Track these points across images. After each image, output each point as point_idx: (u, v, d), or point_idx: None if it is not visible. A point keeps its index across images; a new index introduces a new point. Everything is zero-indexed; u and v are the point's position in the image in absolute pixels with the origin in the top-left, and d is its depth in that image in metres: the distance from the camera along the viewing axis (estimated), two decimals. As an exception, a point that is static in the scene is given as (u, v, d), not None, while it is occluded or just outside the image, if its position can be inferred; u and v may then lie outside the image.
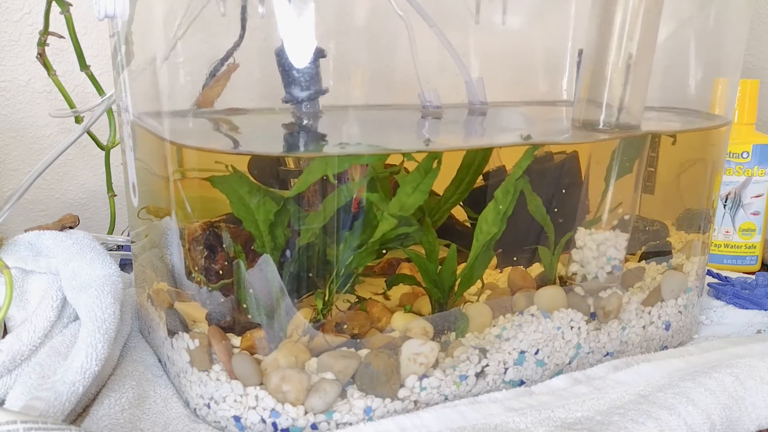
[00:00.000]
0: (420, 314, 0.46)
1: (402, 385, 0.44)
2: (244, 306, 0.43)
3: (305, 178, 0.42)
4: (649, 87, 0.50)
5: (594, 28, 0.49)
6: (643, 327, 0.53)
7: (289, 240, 0.43)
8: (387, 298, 0.47)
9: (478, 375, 0.46)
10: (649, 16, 0.48)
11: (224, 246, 0.44)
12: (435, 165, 0.44)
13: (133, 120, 0.49)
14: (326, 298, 0.43)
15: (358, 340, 0.44)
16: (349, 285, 0.44)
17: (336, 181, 0.42)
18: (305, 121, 0.44)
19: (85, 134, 0.67)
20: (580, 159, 0.51)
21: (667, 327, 0.55)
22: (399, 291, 0.48)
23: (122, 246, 0.70)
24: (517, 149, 0.47)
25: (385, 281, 0.47)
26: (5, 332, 0.50)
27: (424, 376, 0.44)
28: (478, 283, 0.47)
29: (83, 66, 0.68)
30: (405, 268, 0.50)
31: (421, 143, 0.50)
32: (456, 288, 0.47)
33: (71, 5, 0.66)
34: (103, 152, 0.72)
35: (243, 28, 0.45)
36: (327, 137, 0.45)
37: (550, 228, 0.49)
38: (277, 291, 0.42)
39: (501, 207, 0.46)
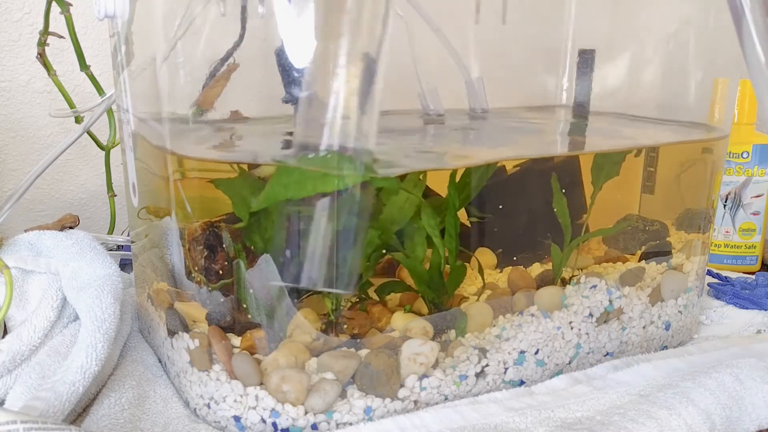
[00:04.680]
0: (420, 314, 0.46)
1: (402, 385, 0.44)
2: (244, 306, 0.43)
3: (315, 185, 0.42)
4: (649, 88, 0.50)
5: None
6: (643, 327, 0.53)
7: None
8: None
9: (478, 375, 0.46)
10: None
11: (224, 246, 0.44)
12: (421, 177, 0.44)
13: (134, 131, 0.49)
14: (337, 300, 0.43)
15: (358, 340, 0.44)
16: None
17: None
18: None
19: (85, 134, 0.67)
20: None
21: (667, 327, 0.55)
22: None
23: (122, 246, 0.70)
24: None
25: (375, 291, 0.47)
26: (5, 332, 0.50)
27: (424, 376, 0.44)
28: (479, 283, 0.47)
29: (83, 66, 0.68)
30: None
31: (437, 159, 0.49)
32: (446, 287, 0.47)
33: (71, 5, 0.65)
34: (103, 152, 0.73)
35: (243, 28, 0.45)
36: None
37: (567, 229, 0.49)
38: (277, 291, 0.42)
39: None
